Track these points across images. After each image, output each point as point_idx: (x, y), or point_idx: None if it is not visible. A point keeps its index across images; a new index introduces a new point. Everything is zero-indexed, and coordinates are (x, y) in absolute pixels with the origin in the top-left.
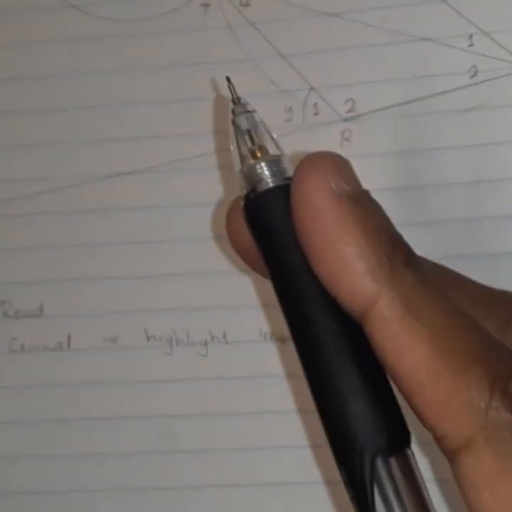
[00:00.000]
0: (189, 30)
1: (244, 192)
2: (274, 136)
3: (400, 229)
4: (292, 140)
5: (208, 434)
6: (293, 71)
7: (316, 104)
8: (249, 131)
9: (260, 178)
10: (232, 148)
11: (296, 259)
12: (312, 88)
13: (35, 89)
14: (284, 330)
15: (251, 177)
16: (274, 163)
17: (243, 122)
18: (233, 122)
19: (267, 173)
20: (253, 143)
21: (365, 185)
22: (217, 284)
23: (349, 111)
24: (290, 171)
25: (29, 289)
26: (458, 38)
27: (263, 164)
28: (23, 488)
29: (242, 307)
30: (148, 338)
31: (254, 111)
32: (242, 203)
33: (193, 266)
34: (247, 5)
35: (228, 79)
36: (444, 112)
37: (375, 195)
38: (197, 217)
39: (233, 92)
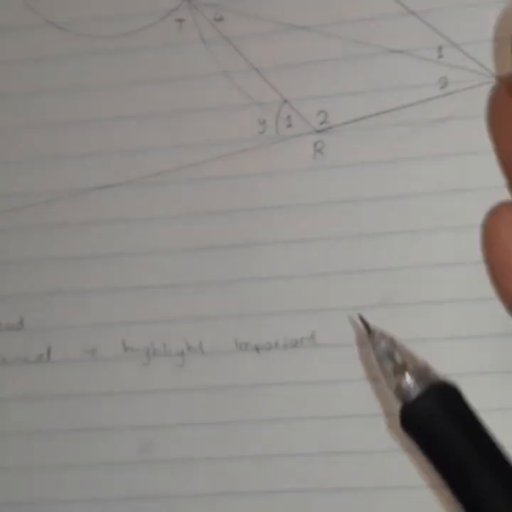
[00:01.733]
0: (165, 45)
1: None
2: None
3: (373, 238)
4: (266, 152)
5: (185, 443)
6: (266, 84)
7: (289, 117)
8: (389, 354)
9: (407, 392)
10: (380, 373)
11: (463, 450)
12: (285, 101)
13: (16, 106)
14: (259, 340)
15: (399, 393)
16: (416, 373)
17: (382, 349)
18: (375, 351)
19: (411, 385)
20: (394, 362)
21: (338, 195)
22: (193, 295)
23: (322, 123)
24: (432, 375)
25: (9, 303)
26: (428, 49)
27: (407, 379)
28: (3, 499)
29: (218, 318)
30: (125, 350)
31: (389, 336)
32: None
33: (169, 278)
34: (220, 20)
35: (361, 317)
36: (415, 122)
37: (347, 206)
38: (175, 229)
39: (367, 326)
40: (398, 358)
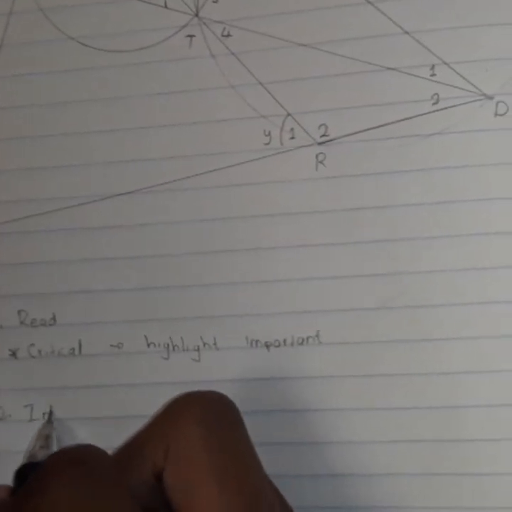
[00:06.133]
0: (176, 60)
1: None
2: None
3: (372, 245)
4: (271, 162)
5: None
6: (271, 98)
7: (292, 129)
8: None
9: None
10: None
11: None
12: (289, 114)
13: (38, 117)
14: (269, 337)
15: None
16: None
17: None
18: None
19: None
20: None
21: (339, 204)
22: (208, 295)
23: (322, 135)
24: None
25: (43, 300)
26: (421, 68)
27: None
28: None
29: (231, 317)
30: (148, 345)
31: None
32: None
33: (186, 279)
34: (228, 36)
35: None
36: (408, 136)
37: (348, 213)
38: (190, 233)
39: None
40: None
